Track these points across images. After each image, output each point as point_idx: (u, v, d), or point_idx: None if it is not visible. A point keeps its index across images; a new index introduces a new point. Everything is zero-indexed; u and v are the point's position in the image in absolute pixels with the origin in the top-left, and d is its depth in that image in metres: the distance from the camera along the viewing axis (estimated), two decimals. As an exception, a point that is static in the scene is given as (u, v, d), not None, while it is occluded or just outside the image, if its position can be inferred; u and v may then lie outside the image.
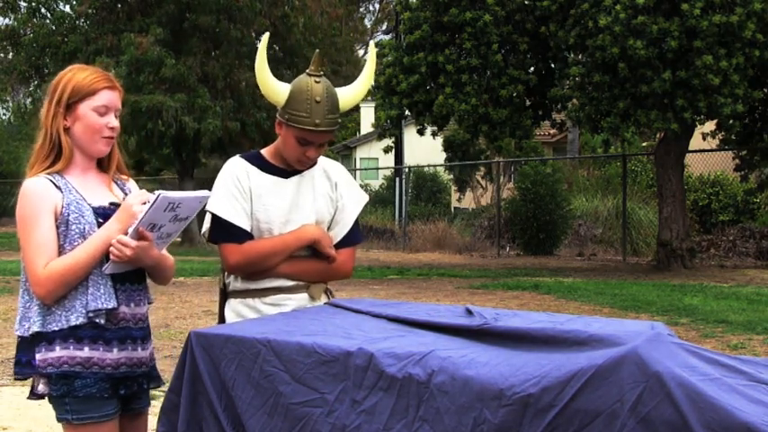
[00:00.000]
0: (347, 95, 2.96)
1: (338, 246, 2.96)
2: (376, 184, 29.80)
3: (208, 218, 2.94)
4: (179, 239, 22.19)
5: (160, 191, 2.47)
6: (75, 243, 2.49)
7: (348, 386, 2.17)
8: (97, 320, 2.49)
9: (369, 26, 38.19)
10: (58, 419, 2.53)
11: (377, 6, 39.78)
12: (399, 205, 23.54)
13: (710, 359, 2.08)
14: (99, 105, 2.54)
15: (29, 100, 22.51)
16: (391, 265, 15.64)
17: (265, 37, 3.06)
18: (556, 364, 2.01)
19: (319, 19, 21.44)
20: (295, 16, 20.68)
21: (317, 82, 2.86)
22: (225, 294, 2.96)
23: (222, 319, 2.97)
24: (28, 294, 2.52)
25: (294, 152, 2.89)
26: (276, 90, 2.89)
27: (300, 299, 2.90)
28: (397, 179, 24.17)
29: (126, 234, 2.49)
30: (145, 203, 2.49)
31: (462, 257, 17.80)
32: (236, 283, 2.91)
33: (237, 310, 2.89)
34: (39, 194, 2.49)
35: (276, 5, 20.46)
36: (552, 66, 14.12)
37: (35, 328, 2.46)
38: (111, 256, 2.48)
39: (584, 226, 18.49)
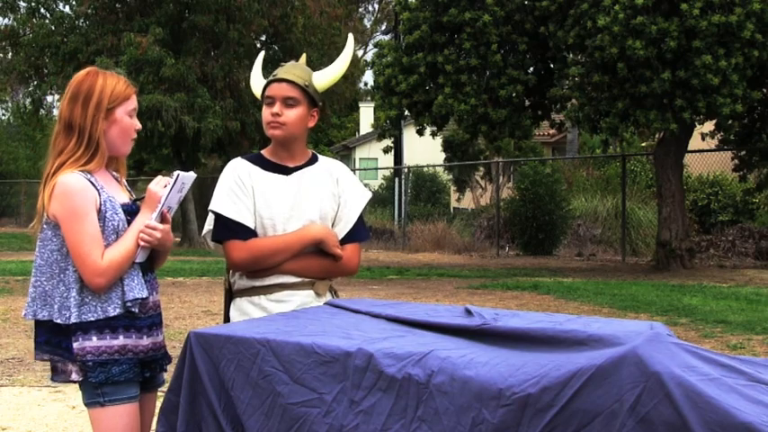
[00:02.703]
0: (321, 71, 3.10)
1: (343, 242, 2.97)
2: (375, 184, 29.79)
3: (210, 219, 2.96)
4: (178, 239, 22.18)
5: (177, 171, 2.70)
6: (110, 239, 2.64)
7: (346, 386, 2.17)
8: (133, 310, 2.63)
9: (368, 26, 38.19)
10: (88, 404, 2.65)
11: (376, 6, 39.78)
12: (399, 205, 23.54)
13: (710, 359, 2.08)
14: (131, 109, 2.73)
15: (28, 100, 22.49)
16: (391, 265, 15.65)
17: (260, 57, 3.30)
18: (555, 364, 2.01)
19: (319, 19, 21.45)
20: (295, 16, 20.68)
21: (281, 65, 3.04)
22: (230, 294, 2.98)
23: (227, 319, 2.99)
24: (64, 285, 2.60)
25: (264, 118, 2.96)
26: (258, 87, 3.09)
27: (305, 295, 2.92)
28: (397, 179, 24.18)
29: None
30: (165, 186, 2.70)
31: (462, 258, 17.80)
32: (241, 281, 2.93)
33: (242, 309, 2.91)
34: (84, 189, 2.61)
35: (276, 5, 20.46)
36: (551, 66, 14.13)
37: (73, 319, 2.58)
38: (141, 243, 2.64)
39: (583, 226, 18.49)
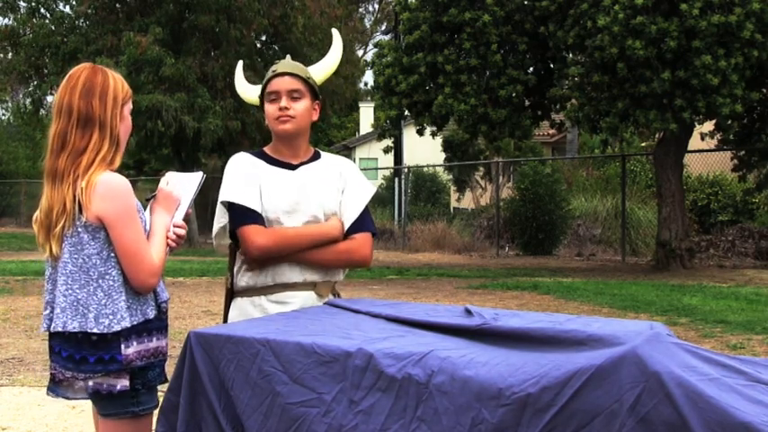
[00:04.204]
0: (315, 66, 3.16)
1: (351, 231, 2.94)
2: (375, 184, 29.71)
3: (219, 215, 2.94)
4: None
5: (202, 172, 2.73)
6: None
7: (346, 386, 2.17)
8: (164, 311, 2.63)
9: (368, 26, 38.18)
10: (118, 415, 2.54)
11: (376, 6, 39.78)
12: (399, 205, 23.54)
13: (710, 359, 2.08)
14: (131, 109, 2.73)
15: (28, 100, 22.49)
16: (390, 265, 15.64)
17: (239, 65, 3.42)
18: (555, 364, 2.01)
19: (319, 19, 21.45)
20: (295, 16, 20.68)
21: (275, 62, 3.09)
22: (231, 293, 2.95)
23: (227, 319, 2.96)
24: (102, 291, 2.49)
25: (272, 114, 2.94)
26: (252, 92, 3.17)
27: (307, 296, 2.89)
28: (397, 179, 24.17)
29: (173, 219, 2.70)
30: (173, 185, 2.71)
31: (461, 257, 17.80)
32: (242, 280, 2.90)
33: (243, 309, 2.89)
34: (130, 190, 2.56)
35: (276, 5, 20.46)
36: (551, 66, 14.13)
37: (125, 324, 2.49)
38: (171, 243, 2.64)
39: (583, 226, 18.50)
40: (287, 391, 2.23)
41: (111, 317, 2.47)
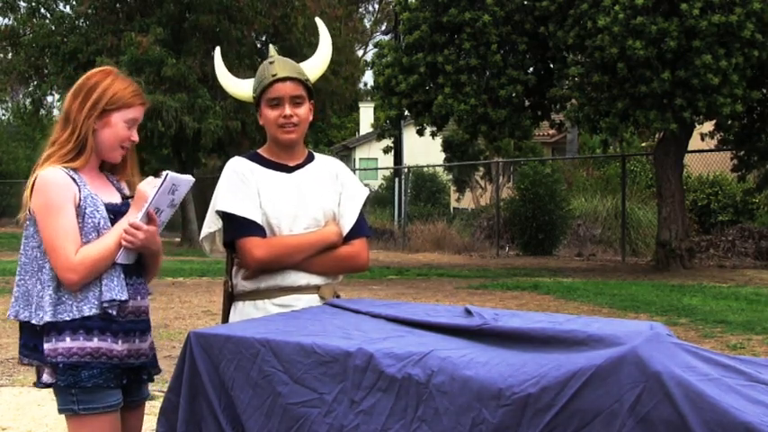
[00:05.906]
0: (308, 63, 3.08)
1: (349, 237, 2.93)
2: (375, 184, 29.77)
3: (210, 221, 2.90)
4: (178, 239, 22.18)
5: (167, 171, 2.61)
6: (90, 237, 2.57)
7: (347, 386, 2.17)
8: (110, 311, 2.55)
9: (368, 26, 38.18)
10: (61, 411, 2.58)
11: (376, 6, 39.78)
12: (399, 205, 23.53)
13: (710, 359, 2.08)
14: (130, 119, 2.67)
15: (28, 100, 22.49)
16: (390, 265, 15.64)
17: (217, 51, 3.28)
18: (555, 364, 2.01)
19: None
20: (295, 16, 20.69)
21: (270, 61, 2.97)
22: (231, 297, 2.91)
23: (226, 323, 2.92)
24: (41, 284, 2.55)
25: (273, 120, 2.89)
26: (242, 87, 3.07)
27: (310, 299, 2.87)
28: (397, 179, 24.17)
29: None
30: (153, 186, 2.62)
31: (461, 258, 17.80)
32: (244, 284, 2.86)
33: (245, 313, 2.84)
34: (62, 184, 2.56)
35: (276, 5, 20.47)
36: (551, 66, 14.13)
37: (47, 318, 2.51)
38: (123, 242, 2.57)
39: (583, 226, 18.50)
40: (288, 392, 2.23)
41: (44, 309, 2.53)
